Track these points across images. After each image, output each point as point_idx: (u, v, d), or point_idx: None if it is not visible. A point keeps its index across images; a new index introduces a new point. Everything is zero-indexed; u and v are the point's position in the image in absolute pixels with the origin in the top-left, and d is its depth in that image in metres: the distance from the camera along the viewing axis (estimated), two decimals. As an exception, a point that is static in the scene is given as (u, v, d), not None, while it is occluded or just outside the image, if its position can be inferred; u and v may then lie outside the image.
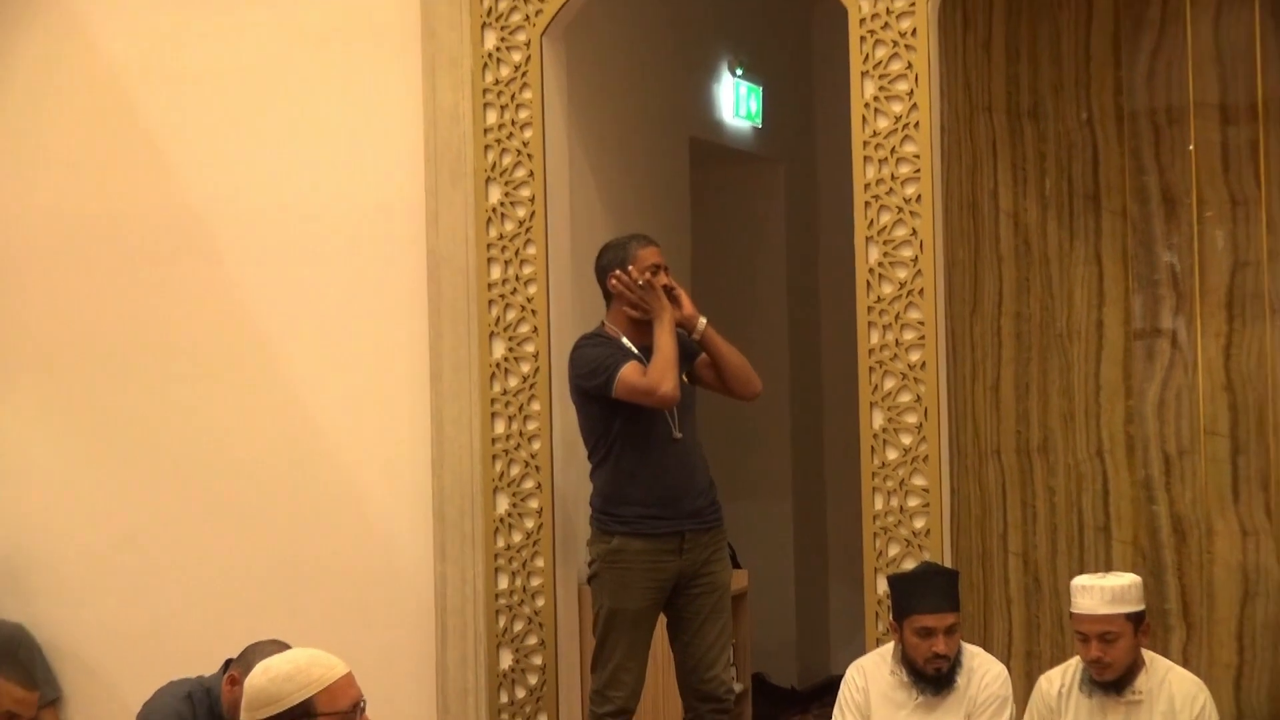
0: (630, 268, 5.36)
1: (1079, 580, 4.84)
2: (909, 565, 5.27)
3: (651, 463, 5.36)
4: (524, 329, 5.83)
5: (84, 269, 6.50)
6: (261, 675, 3.24)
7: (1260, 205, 6.16)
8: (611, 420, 5.35)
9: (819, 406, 8.31)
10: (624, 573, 5.37)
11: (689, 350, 5.45)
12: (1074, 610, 4.81)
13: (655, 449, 5.36)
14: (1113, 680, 4.78)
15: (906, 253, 5.44)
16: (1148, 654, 4.84)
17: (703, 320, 5.43)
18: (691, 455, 5.42)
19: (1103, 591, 4.76)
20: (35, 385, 6.59)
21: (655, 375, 5.23)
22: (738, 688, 6.51)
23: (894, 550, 5.43)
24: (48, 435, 6.57)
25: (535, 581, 5.83)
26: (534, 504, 5.83)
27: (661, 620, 5.49)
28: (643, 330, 5.36)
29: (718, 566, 5.44)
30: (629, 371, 5.26)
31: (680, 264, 7.09)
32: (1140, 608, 4.79)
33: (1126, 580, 4.81)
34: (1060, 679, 4.91)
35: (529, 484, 5.84)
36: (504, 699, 5.85)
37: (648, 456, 5.37)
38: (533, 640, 5.85)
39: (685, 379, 5.44)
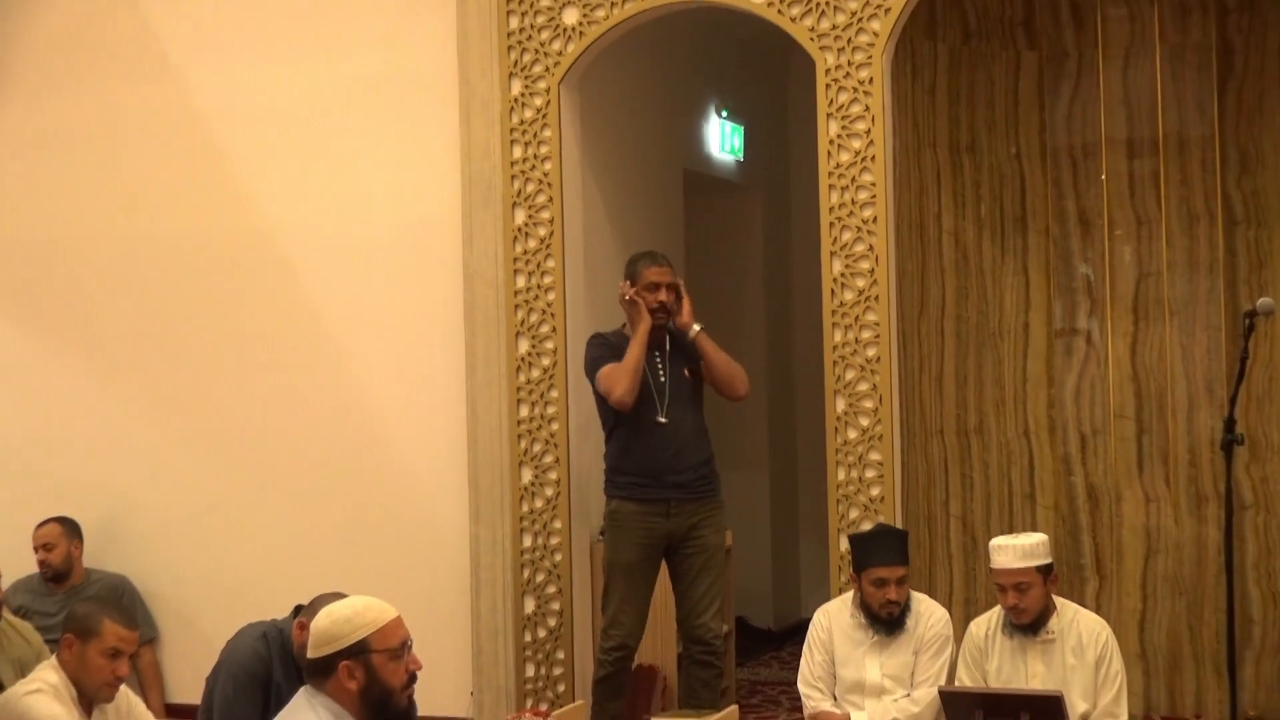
0: (625, 282, 5.39)
1: (996, 541, 4.84)
2: (866, 526, 5.28)
3: (641, 440, 5.37)
4: (544, 329, 5.84)
5: (177, 281, 6.51)
6: (325, 618, 3.24)
7: (1161, 225, 6.16)
8: (609, 404, 5.38)
9: (791, 394, 8.31)
10: (619, 530, 5.42)
11: (694, 352, 5.43)
12: (992, 566, 4.81)
13: (644, 430, 5.36)
14: (1029, 623, 4.78)
15: (864, 265, 5.44)
16: (1058, 600, 4.85)
17: (695, 327, 5.39)
18: (679, 437, 5.36)
19: (1015, 549, 4.77)
20: (137, 379, 6.59)
21: (610, 381, 5.30)
22: (724, 630, 6.53)
23: (854, 514, 5.44)
24: (147, 420, 6.58)
25: (554, 540, 5.85)
26: (553, 475, 5.84)
27: (665, 570, 5.51)
28: (655, 333, 5.36)
29: (707, 531, 5.40)
30: (604, 372, 5.33)
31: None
32: (1048, 561, 4.80)
33: (1035, 539, 4.82)
34: (986, 625, 4.91)
35: (549, 459, 5.85)
36: (528, 638, 5.86)
37: (638, 435, 5.38)
38: (552, 589, 5.86)
39: (688, 374, 5.46)
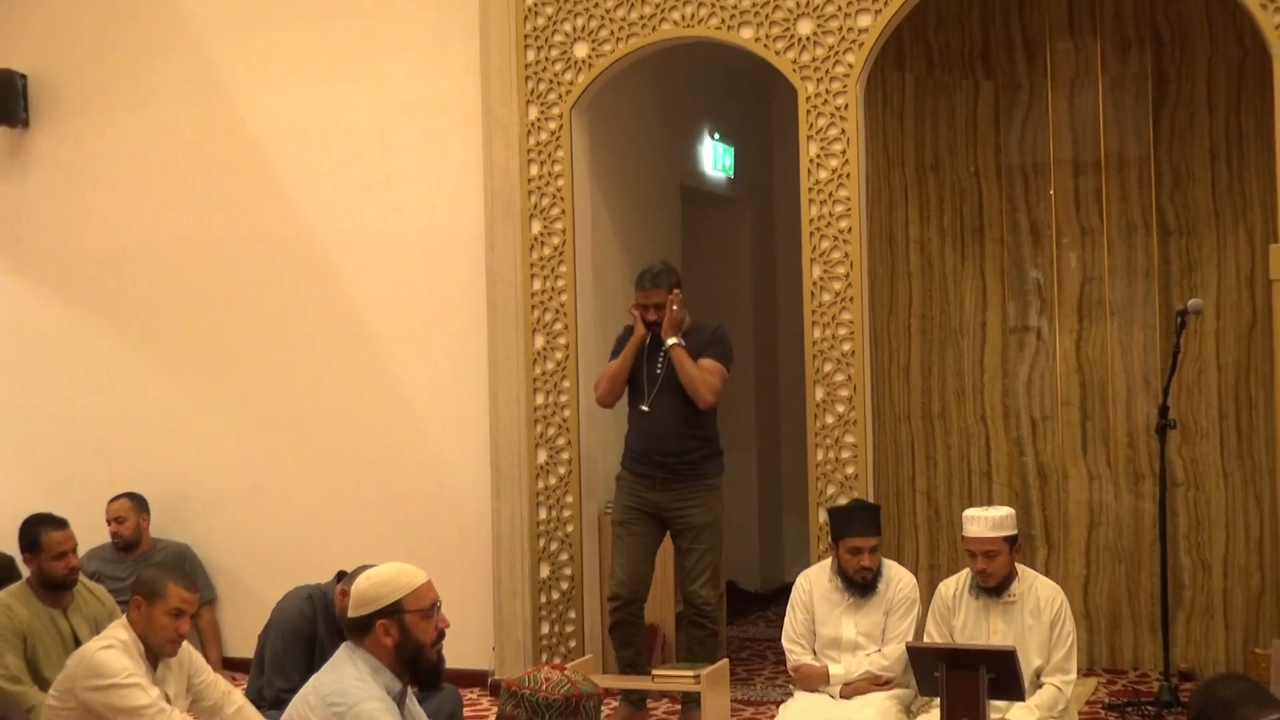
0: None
1: (969, 512, 4.82)
2: (842, 501, 5.28)
3: (634, 423, 5.41)
4: (557, 327, 5.83)
5: (232, 284, 6.51)
6: (364, 581, 3.25)
7: (1103, 235, 6.16)
8: None
9: (775, 384, 8.31)
10: (618, 493, 5.48)
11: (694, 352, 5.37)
12: (964, 534, 4.80)
13: (635, 414, 5.40)
14: (993, 586, 4.77)
15: (840, 270, 5.44)
16: (1020, 566, 4.83)
17: (670, 341, 5.28)
18: (662, 424, 5.30)
19: (986, 520, 4.75)
20: (197, 371, 6.60)
21: (598, 380, 5.49)
22: (716, 597, 6.52)
23: (831, 490, 5.44)
24: (206, 407, 6.58)
25: (566, 513, 5.85)
26: (565, 456, 5.84)
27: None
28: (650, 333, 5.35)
29: (690, 511, 5.33)
30: (602, 371, 5.47)
31: (672, 279, 7.14)
32: (1014, 532, 4.78)
33: (1004, 511, 4.81)
34: (954, 586, 4.90)
35: (561, 441, 5.85)
36: (543, 600, 5.86)
37: (633, 419, 5.42)
38: (564, 557, 5.87)
39: None
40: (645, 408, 5.33)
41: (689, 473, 5.33)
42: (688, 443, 5.33)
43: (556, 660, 5.76)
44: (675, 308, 5.28)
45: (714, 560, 5.35)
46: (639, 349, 5.34)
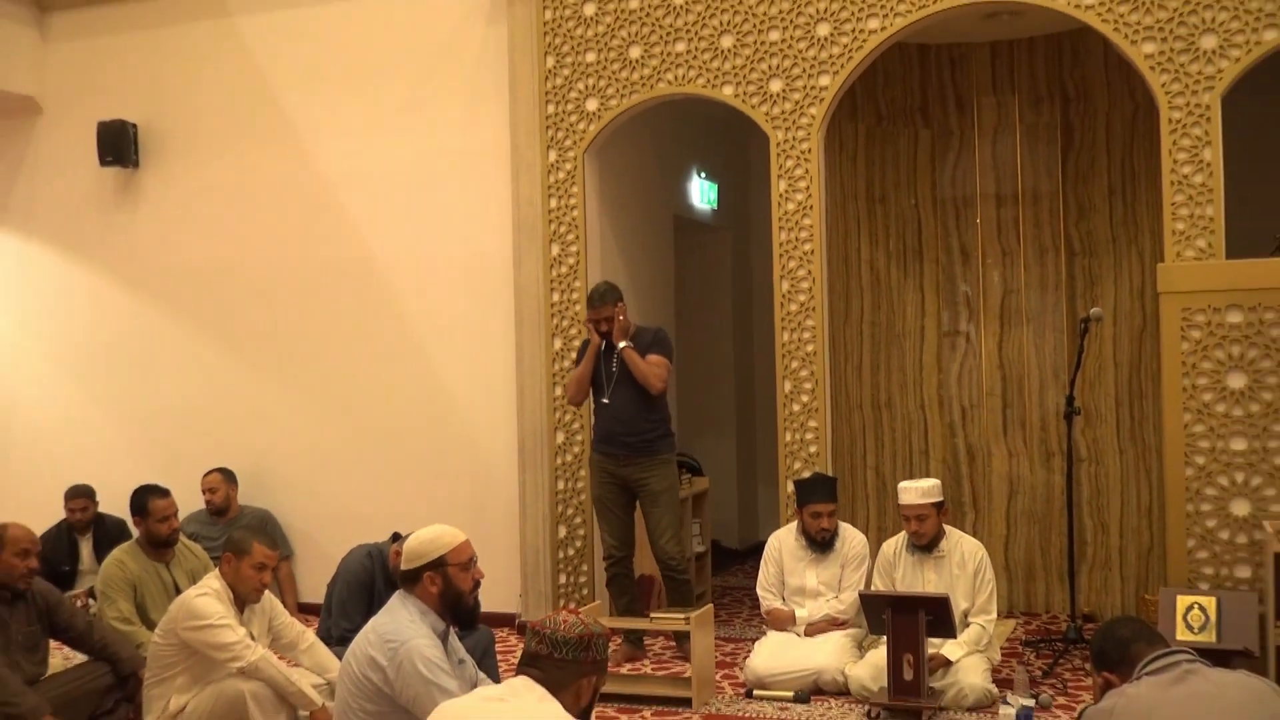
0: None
1: (902, 484, 4.85)
2: (806, 474, 5.27)
3: (598, 413, 5.35)
4: (572, 332, 5.82)
5: (304, 296, 6.50)
6: (414, 540, 3.26)
7: (1020, 256, 6.15)
8: None
9: (751, 378, 8.30)
10: (591, 473, 5.42)
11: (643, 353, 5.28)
12: (900, 502, 4.81)
13: (598, 408, 5.33)
14: (926, 544, 4.79)
15: (805, 285, 5.43)
16: (947, 527, 4.85)
17: (620, 345, 5.21)
18: (621, 412, 5.22)
19: (917, 489, 4.77)
20: (276, 367, 6.58)
21: (566, 385, 5.49)
22: (700, 549, 6.50)
23: (797, 465, 5.43)
24: (284, 397, 6.57)
25: (579, 484, 5.84)
26: (579, 438, 5.83)
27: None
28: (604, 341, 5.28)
29: (650, 480, 5.23)
30: (570, 375, 5.46)
31: (665, 293, 7.12)
32: (940, 498, 4.79)
33: (931, 482, 4.82)
34: (895, 544, 4.92)
35: (575, 425, 5.83)
36: (560, 555, 5.85)
37: (596, 411, 5.36)
38: (578, 520, 5.86)
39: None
40: (605, 400, 5.27)
41: (646, 449, 5.25)
42: (644, 425, 5.24)
43: (572, 605, 5.76)
44: (621, 318, 5.23)
45: (674, 519, 5.27)
46: (596, 354, 5.29)
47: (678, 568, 5.25)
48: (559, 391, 5.82)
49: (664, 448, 5.31)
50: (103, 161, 6.70)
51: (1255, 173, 5.90)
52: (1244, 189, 5.30)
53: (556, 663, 2.55)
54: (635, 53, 5.65)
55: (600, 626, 2.64)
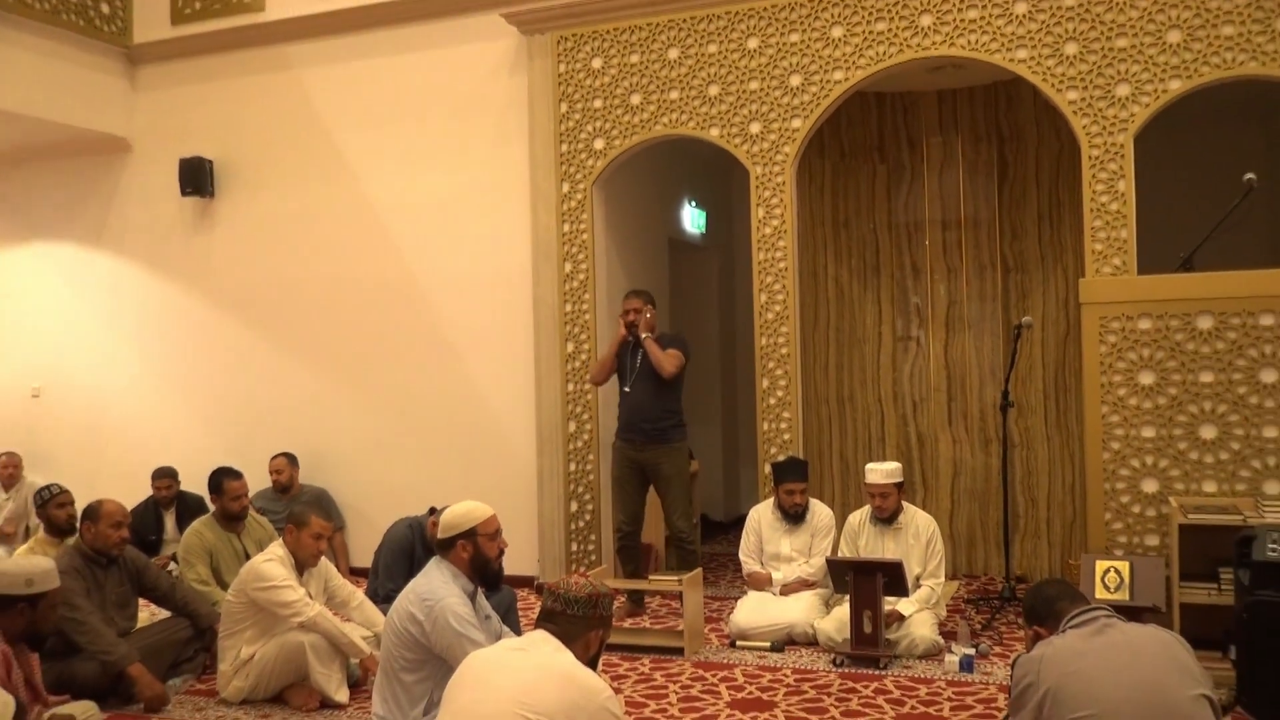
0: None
1: (869, 465, 4.83)
2: (781, 458, 5.25)
3: (621, 404, 5.30)
4: (583, 337, 5.81)
5: (356, 306, 6.48)
6: (449, 513, 3.26)
7: (962, 272, 6.13)
8: None
9: (734, 376, 8.29)
10: (614, 457, 5.34)
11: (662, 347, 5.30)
12: (866, 481, 4.80)
13: (621, 397, 5.29)
14: (886, 518, 4.78)
15: (780, 297, 5.42)
16: (904, 503, 4.83)
17: (644, 335, 5.19)
18: (640, 401, 5.16)
19: (882, 471, 4.76)
20: (332, 366, 6.57)
21: (592, 367, 5.44)
22: (691, 527, 6.47)
23: (773, 450, 5.41)
24: (339, 391, 6.55)
25: (588, 467, 5.82)
26: (588, 427, 5.82)
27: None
28: (629, 333, 5.25)
29: (664, 464, 5.18)
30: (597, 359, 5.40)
31: (662, 304, 7.06)
32: (900, 479, 4.79)
33: (894, 465, 4.81)
34: (859, 516, 4.90)
35: (585, 416, 5.82)
36: (572, 527, 5.84)
37: (620, 401, 5.31)
38: (588, 497, 5.84)
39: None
40: (627, 389, 5.24)
41: (660, 438, 5.20)
42: (659, 414, 5.20)
43: (582, 569, 5.75)
44: (648, 315, 5.23)
45: (685, 499, 5.25)
46: (621, 343, 5.26)
47: (687, 540, 5.23)
48: (571, 388, 5.80)
49: (677, 436, 5.26)
50: (184, 192, 6.71)
51: (1163, 202, 5.89)
52: (1153, 216, 5.29)
53: (569, 618, 2.55)
54: (636, 100, 5.65)
55: (605, 587, 2.63)
